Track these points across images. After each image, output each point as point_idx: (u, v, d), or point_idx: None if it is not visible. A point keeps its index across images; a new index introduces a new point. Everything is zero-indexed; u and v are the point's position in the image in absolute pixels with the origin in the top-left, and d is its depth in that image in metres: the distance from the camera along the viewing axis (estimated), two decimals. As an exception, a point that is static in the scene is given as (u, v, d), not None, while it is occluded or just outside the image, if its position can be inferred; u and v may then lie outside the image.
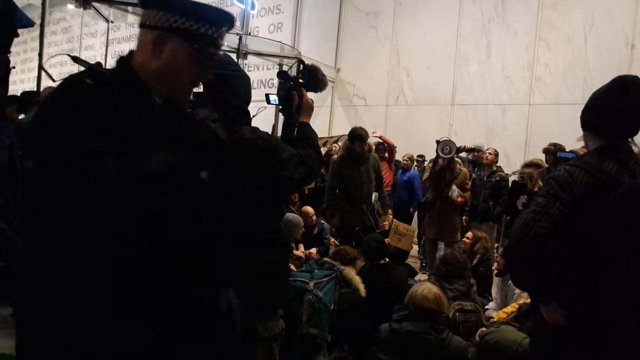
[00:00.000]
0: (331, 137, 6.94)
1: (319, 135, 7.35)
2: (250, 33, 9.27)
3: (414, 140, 7.93)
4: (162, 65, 1.19)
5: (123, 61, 1.23)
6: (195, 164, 1.16)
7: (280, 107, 1.87)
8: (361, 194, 4.66)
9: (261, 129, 1.71)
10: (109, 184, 1.03)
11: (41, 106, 1.29)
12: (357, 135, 4.59)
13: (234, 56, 7.67)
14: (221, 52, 1.59)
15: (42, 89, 4.61)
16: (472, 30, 8.02)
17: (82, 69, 1.19)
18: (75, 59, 1.27)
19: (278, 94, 1.87)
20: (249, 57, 8.20)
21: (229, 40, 7.60)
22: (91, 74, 1.13)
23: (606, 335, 1.66)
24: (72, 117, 1.06)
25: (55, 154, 1.07)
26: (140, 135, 1.11)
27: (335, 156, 6.25)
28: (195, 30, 1.18)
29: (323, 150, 6.31)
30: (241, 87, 1.71)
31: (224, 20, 1.22)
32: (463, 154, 6.33)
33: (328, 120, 9.64)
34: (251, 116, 1.75)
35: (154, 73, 1.20)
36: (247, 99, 1.73)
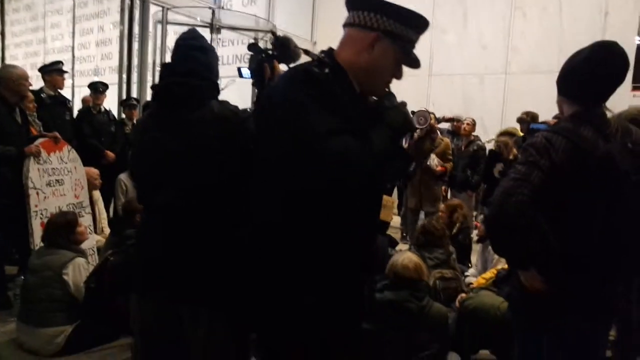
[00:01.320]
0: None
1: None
2: (223, 7, 9.02)
3: (393, 112, 7.90)
4: (371, 61, 1.33)
5: (329, 54, 1.38)
6: (397, 142, 1.37)
7: (252, 80, 1.83)
8: None
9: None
10: (351, 160, 1.17)
11: (270, 91, 1.42)
12: None
13: (207, 31, 7.48)
14: (190, 27, 1.58)
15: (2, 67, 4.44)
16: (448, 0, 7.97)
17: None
18: (306, 52, 1.51)
19: (249, 67, 1.83)
20: (223, 31, 8.01)
21: (202, 15, 7.40)
22: (319, 66, 1.29)
23: (582, 300, 1.72)
24: (310, 103, 1.20)
25: (296, 135, 1.19)
26: (356, 120, 1.27)
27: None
28: (404, 35, 1.32)
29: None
30: (212, 60, 1.67)
31: (425, 26, 1.35)
32: (443, 124, 6.36)
33: (306, 94, 9.54)
34: (220, 89, 1.71)
35: (361, 67, 1.34)
36: (216, 72, 1.71)
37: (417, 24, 1.33)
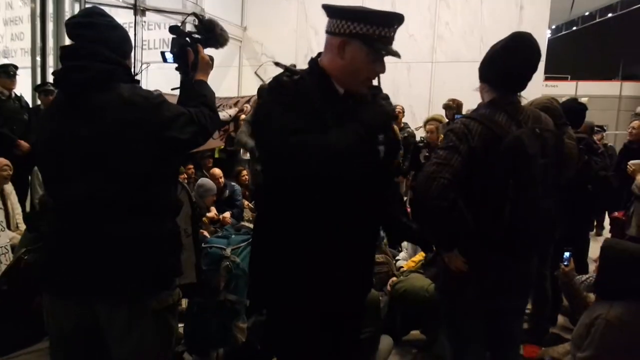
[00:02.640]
0: (242, 97, 6.71)
1: (228, 96, 7.11)
2: (147, -13, 8.58)
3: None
4: (345, 64, 1.45)
5: (313, 61, 1.53)
6: (371, 138, 1.44)
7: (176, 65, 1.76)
8: None
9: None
10: (307, 156, 1.31)
11: (257, 105, 1.71)
12: None
13: (130, 13, 7.09)
14: (93, 5, 1.49)
15: None
16: (377, -12, 8.08)
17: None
18: (277, 64, 1.56)
19: (171, 51, 1.75)
20: (148, 14, 7.63)
21: (124, -5, 7.00)
22: (289, 75, 1.44)
23: (500, 279, 1.83)
24: (276, 107, 1.39)
25: (267, 138, 1.39)
26: (327, 118, 1.39)
27: (244, 116, 6.12)
28: (371, 34, 1.41)
29: (233, 110, 6.13)
30: (116, 39, 1.55)
31: (394, 20, 1.44)
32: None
33: (237, 80, 9.36)
34: (134, 73, 1.61)
35: (338, 70, 1.47)
36: (124, 53, 1.59)
37: (383, 20, 1.42)
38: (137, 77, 1.68)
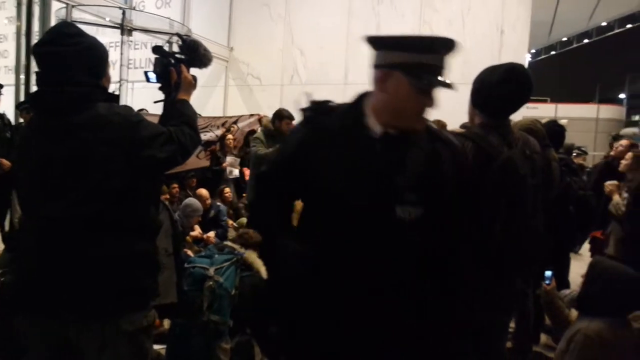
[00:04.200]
0: (230, 117, 6.72)
1: (214, 115, 7.09)
2: (135, 7, 8.62)
3: (310, 119, 8.00)
4: (388, 99, 1.31)
5: (359, 95, 1.42)
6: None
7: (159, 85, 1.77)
8: None
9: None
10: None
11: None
12: (284, 114, 4.69)
13: (117, 32, 7.10)
14: (62, 22, 1.49)
15: None
16: (363, 11, 8.23)
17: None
18: (156, 49, 1.63)
19: (154, 71, 1.76)
20: (135, 33, 7.65)
21: (112, 15, 7.02)
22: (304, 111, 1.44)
23: (487, 295, 1.84)
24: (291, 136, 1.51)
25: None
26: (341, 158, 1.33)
27: (231, 136, 6.12)
28: (411, 63, 1.26)
29: (220, 131, 6.14)
30: (88, 62, 1.52)
31: (437, 45, 1.28)
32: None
33: (222, 100, 9.38)
34: (113, 93, 1.60)
35: (381, 106, 1.34)
36: (98, 74, 1.56)
37: (422, 46, 1.27)
38: (120, 95, 1.67)
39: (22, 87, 6.03)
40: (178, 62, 1.77)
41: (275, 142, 4.69)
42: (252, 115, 7.00)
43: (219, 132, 6.13)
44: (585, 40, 24.59)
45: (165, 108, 1.76)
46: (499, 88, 1.82)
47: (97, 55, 1.57)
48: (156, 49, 1.77)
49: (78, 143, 1.43)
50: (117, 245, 1.46)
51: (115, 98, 1.60)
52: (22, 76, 6.04)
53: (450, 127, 5.32)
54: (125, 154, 1.44)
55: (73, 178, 1.43)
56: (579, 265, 4.85)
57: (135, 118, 1.51)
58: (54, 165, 1.44)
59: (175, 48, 1.85)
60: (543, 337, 3.63)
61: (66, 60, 1.48)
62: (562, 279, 3.49)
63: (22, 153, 1.55)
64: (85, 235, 1.44)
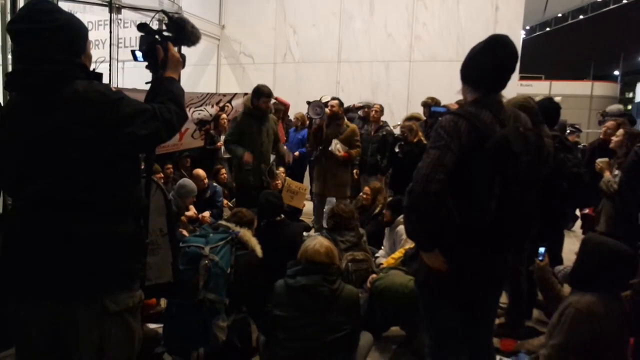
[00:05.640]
0: (225, 95, 6.61)
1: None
2: (123, -16, 8.44)
3: (302, 98, 7.95)
4: None
5: None
6: None
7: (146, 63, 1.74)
8: (260, 152, 4.62)
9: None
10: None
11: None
12: (263, 92, 4.58)
13: (105, 10, 6.96)
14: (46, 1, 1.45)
15: None
16: (356, -13, 8.11)
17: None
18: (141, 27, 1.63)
19: (140, 49, 1.73)
20: (124, 11, 7.50)
21: (99, -8, 6.86)
22: None
23: (479, 270, 1.87)
24: None
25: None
26: None
27: (225, 116, 6.08)
28: None
29: (214, 109, 6.07)
30: (64, 39, 1.48)
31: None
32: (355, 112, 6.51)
33: (215, 79, 9.28)
34: (94, 71, 1.56)
35: None
36: (77, 51, 1.52)
37: None
38: (107, 74, 1.64)
39: (10, 68, 5.92)
40: (164, 40, 1.73)
41: (255, 120, 4.65)
42: (246, 94, 6.92)
43: (213, 110, 6.06)
44: (581, 17, 24.41)
45: (152, 85, 1.73)
46: (482, 58, 1.84)
47: (74, 32, 1.52)
48: (141, 27, 1.73)
49: (55, 122, 1.40)
50: (97, 227, 1.45)
51: (98, 76, 1.55)
52: (10, 56, 5.92)
53: (443, 103, 5.32)
54: (104, 132, 1.42)
55: (51, 158, 1.41)
56: (571, 242, 4.92)
57: (115, 95, 1.48)
58: (32, 145, 1.41)
59: (163, 26, 1.82)
60: (535, 312, 3.69)
61: (41, 38, 1.44)
62: (555, 256, 3.53)
63: (0, 133, 1.51)
64: (66, 215, 1.42)
